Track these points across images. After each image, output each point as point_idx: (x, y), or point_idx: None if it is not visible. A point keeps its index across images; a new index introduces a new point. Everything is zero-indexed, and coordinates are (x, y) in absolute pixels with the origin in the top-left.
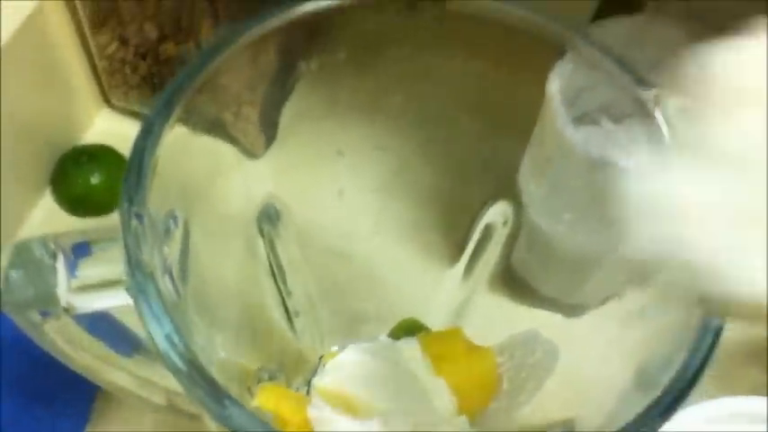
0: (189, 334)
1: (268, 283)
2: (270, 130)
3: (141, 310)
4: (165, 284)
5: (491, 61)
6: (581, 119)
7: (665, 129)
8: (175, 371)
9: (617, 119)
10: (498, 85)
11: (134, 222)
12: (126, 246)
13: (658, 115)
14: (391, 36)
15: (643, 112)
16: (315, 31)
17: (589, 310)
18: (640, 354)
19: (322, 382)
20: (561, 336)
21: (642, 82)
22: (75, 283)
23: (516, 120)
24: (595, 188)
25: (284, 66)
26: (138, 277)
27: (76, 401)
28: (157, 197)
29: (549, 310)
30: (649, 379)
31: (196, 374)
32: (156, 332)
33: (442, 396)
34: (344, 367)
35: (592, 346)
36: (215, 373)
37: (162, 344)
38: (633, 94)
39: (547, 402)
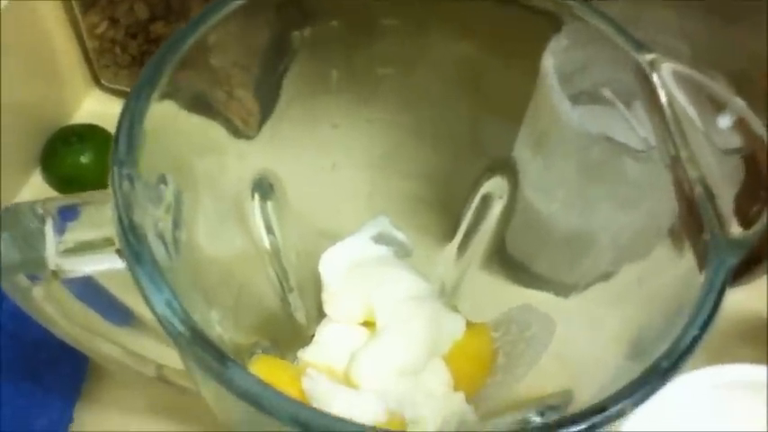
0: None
1: (262, 259)
2: (263, 111)
3: (137, 274)
4: (159, 250)
5: (485, 35)
6: (578, 96)
7: (662, 94)
8: (176, 335)
9: (618, 94)
10: (493, 59)
11: (125, 185)
12: (117, 208)
13: (656, 80)
14: (385, 9)
15: (641, 80)
16: (307, 10)
17: (583, 288)
18: (636, 325)
19: (307, 352)
20: (555, 311)
21: (640, 47)
22: (62, 246)
23: (512, 95)
24: (591, 165)
25: (277, 47)
26: (131, 239)
27: (66, 380)
28: (148, 164)
29: (542, 289)
30: (644, 349)
31: (198, 338)
32: (155, 297)
33: (437, 373)
34: (331, 338)
35: (586, 320)
36: None
37: (162, 309)
38: (632, 60)
39: (542, 378)
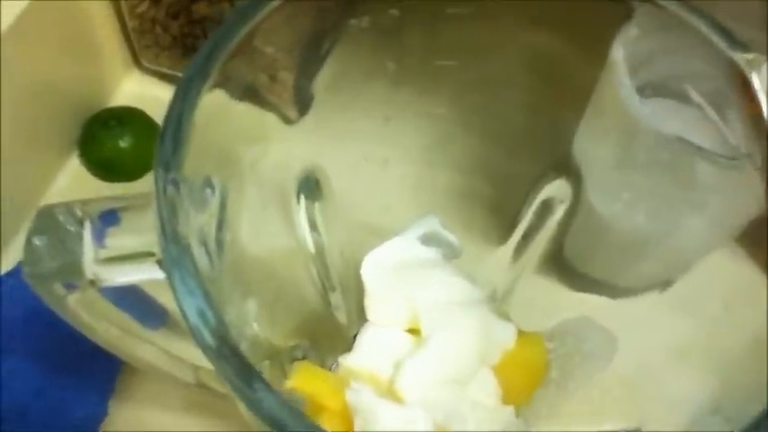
0: (222, 308)
1: (305, 256)
2: (305, 95)
3: (175, 283)
4: (201, 256)
5: (554, 25)
6: (642, 89)
7: (762, 99)
8: (205, 347)
9: (700, 88)
10: (559, 51)
11: (170, 190)
12: (160, 216)
13: (755, 82)
14: None
15: (735, 80)
16: None
17: (645, 294)
18: (721, 360)
19: (348, 359)
20: (620, 327)
21: (736, 44)
22: (102, 253)
23: (577, 90)
24: (660, 166)
25: (320, 27)
26: (173, 250)
27: (102, 373)
28: (194, 164)
29: (598, 293)
30: (735, 394)
31: (227, 351)
32: (189, 306)
33: (486, 384)
34: (374, 344)
35: (657, 342)
36: (247, 349)
37: (193, 318)
38: (723, 58)
39: (605, 402)
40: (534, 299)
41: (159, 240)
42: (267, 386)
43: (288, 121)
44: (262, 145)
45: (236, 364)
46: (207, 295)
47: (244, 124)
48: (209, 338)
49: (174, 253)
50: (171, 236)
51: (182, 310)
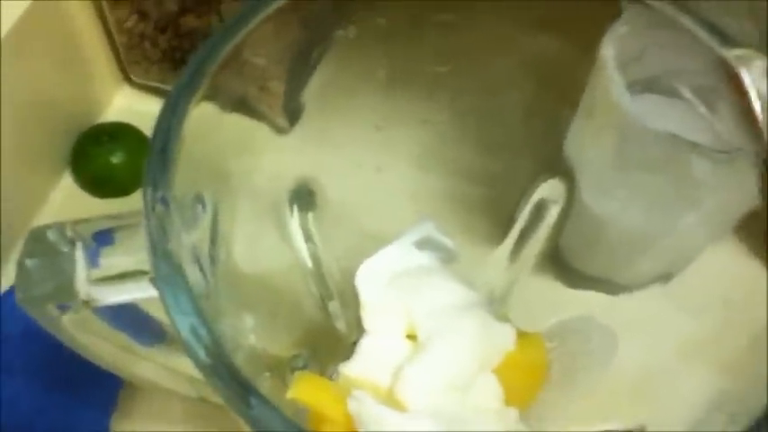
0: (216, 322)
1: (300, 266)
2: (295, 104)
3: (167, 302)
4: (194, 273)
5: (545, 26)
6: (630, 86)
7: (753, 95)
8: (200, 365)
9: (691, 83)
10: (552, 52)
11: (159, 208)
12: (150, 234)
13: (746, 79)
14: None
15: (726, 76)
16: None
17: (645, 290)
18: (724, 358)
19: (347, 367)
20: (621, 325)
21: (726, 40)
22: (96, 273)
23: (570, 90)
24: (654, 164)
25: (309, 37)
26: (164, 269)
27: (102, 389)
28: (184, 180)
29: (597, 290)
30: (738, 395)
31: (222, 368)
32: (182, 324)
33: (488, 388)
34: (372, 353)
35: (659, 338)
36: (244, 361)
37: (187, 336)
38: (713, 54)
39: (608, 402)
40: (533, 298)
41: (150, 259)
42: (265, 402)
43: (279, 131)
44: (253, 157)
45: (232, 381)
46: (199, 312)
47: (234, 136)
48: (202, 356)
49: (164, 271)
50: (161, 254)
51: (175, 328)
